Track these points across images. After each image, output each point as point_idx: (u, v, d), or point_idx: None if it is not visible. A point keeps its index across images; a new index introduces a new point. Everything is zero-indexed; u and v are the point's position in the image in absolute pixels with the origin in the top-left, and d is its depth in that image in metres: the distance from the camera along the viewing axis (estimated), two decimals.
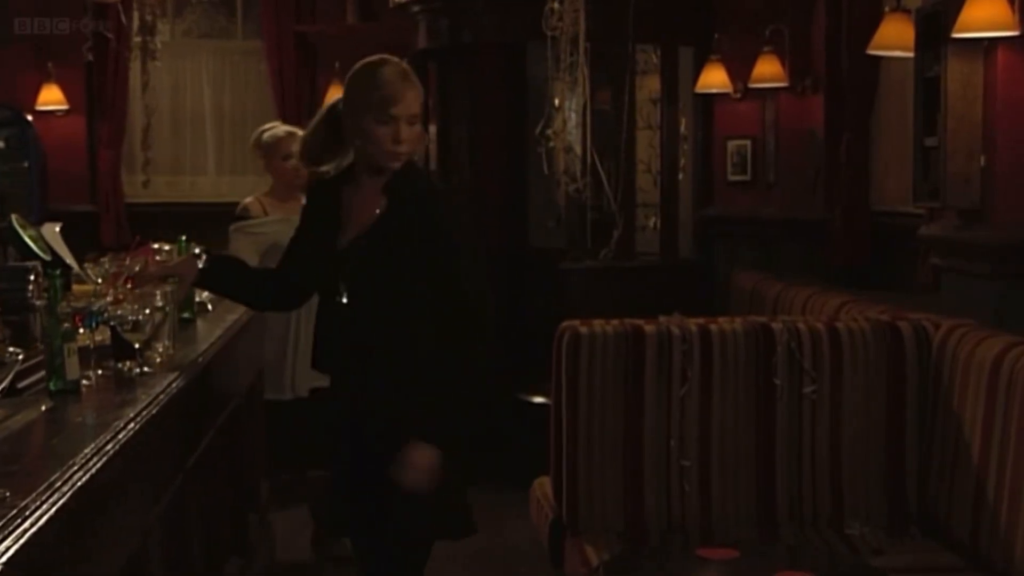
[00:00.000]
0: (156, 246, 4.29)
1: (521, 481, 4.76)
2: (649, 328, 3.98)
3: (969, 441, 3.59)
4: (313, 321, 4.60)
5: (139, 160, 7.77)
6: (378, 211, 3.13)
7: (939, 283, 4.55)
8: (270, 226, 4.86)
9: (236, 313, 4.13)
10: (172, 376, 2.94)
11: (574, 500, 3.96)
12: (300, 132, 4.77)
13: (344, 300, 3.14)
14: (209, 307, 4.16)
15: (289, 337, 4.86)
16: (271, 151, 5.11)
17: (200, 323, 3.94)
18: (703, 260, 6.76)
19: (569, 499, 3.97)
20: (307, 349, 4.63)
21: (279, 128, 5.19)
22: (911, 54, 4.41)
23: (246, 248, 4.78)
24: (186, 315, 3.87)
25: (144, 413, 2.50)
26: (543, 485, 4.33)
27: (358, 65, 3.17)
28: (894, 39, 4.46)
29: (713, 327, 3.99)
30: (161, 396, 2.70)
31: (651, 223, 6.92)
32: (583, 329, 3.95)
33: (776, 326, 3.99)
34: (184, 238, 3.99)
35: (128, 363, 2.95)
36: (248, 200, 5.12)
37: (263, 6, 7.97)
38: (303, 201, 4.82)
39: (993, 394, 3.48)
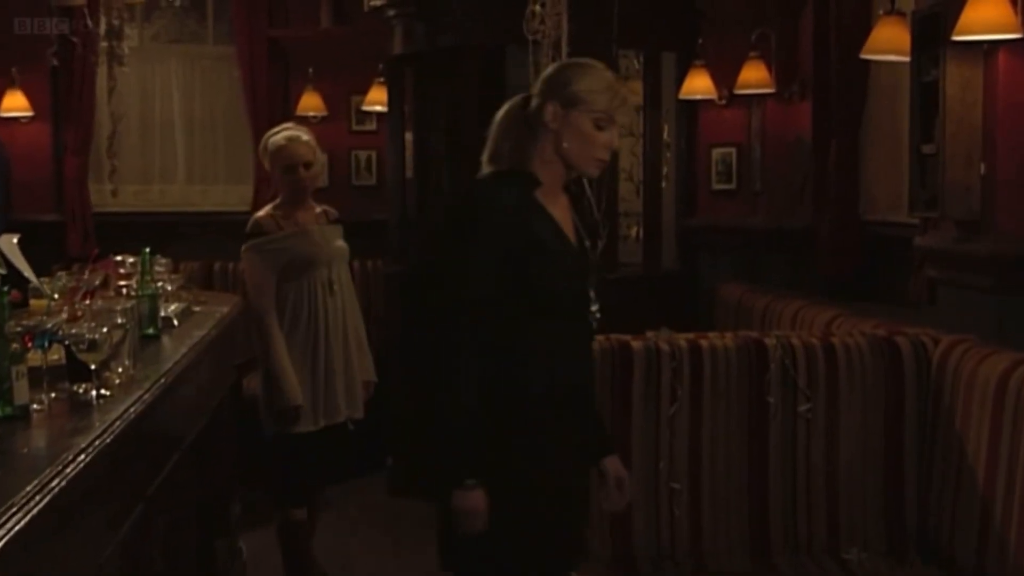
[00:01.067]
0: (119, 258, 4.12)
1: None
2: (636, 344, 3.81)
3: (973, 463, 3.43)
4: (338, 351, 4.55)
5: (107, 168, 7.53)
6: (571, 215, 3.00)
7: (934, 296, 4.38)
8: (286, 241, 4.53)
9: (204, 328, 3.93)
10: (131, 399, 2.74)
11: None
12: (304, 136, 4.65)
13: (598, 313, 2.98)
14: (175, 322, 3.96)
15: (320, 367, 4.55)
16: (273, 160, 4.64)
17: (166, 340, 3.73)
18: (687, 271, 6.59)
19: None
20: (334, 378, 4.55)
21: (281, 134, 4.67)
22: (906, 58, 4.24)
23: (262, 267, 4.50)
24: (150, 331, 3.68)
25: (97, 443, 2.30)
26: None
27: (578, 63, 2.99)
28: (889, 43, 4.30)
29: (703, 343, 3.83)
30: (117, 423, 2.50)
31: (633, 233, 6.76)
32: None
33: (769, 342, 3.83)
34: (148, 250, 3.77)
35: (84, 386, 2.75)
36: (260, 215, 4.63)
37: (235, 10, 7.75)
38: (316, 210, 4.68)
39: (999, 413, 3.32)
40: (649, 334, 3.87)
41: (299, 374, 4.47)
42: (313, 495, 4.74)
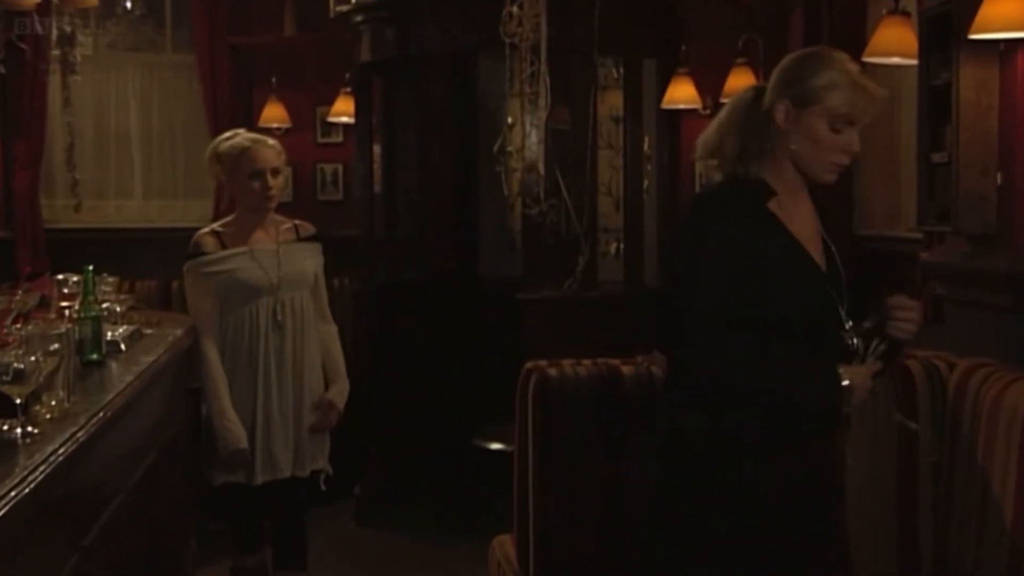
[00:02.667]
0: (61, 277, 3.78)
1: (475, 535, 4.38)
2: (627, 369, 3.51)
3: (1000, 499, 3.12)
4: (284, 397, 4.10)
5: (60, 182, 7.22)
6: (815, 224, 2.76)
7: (941, 315, 4.10)
8: (228, 262, 4.07)
9: (153, 353, 3.58)
10: (64, 437, 2.40)
11: (544, 563, 3.48)
12: (270, 141, 4.17)
13: (854, 335, 2.69)
14: (122, 346, 3.61)
15: (259, 416, 4.08)
16: (233, 167, 4.12)
17: (111, 366, 3.38)
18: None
19: (538, 562, 3.50)
20: (280, 429, 4.07)
21: (241, 137, 4.16)
22: (913, 60, 3.96)
23: (201, 292, 4.10)
24: (93, 357, 3.33)
25: (14, 493, 1.97)
26: (504, 545, 3.83)
27: (815, 54, 2.68)
28: (893, 44, 4.01)
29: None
30: (43, 466, 2.16)
31: (612, 249, 6.46)
32: (552, 371, 3.48)
33: None
34: (91, 268, 3.42)
35: (8, 422, 2.41)
36: (202, 231, 4.17)
37: (194, 17, 7.47)
38: (285, 225, 4.19)
39: None
40: (640, 358, 3.56)
41: (240, 420, 4.07)
42: (270, 539, 4.34)
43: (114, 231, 7.53)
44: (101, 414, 2.67)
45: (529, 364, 3.53)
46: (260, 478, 4.07)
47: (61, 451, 2.31)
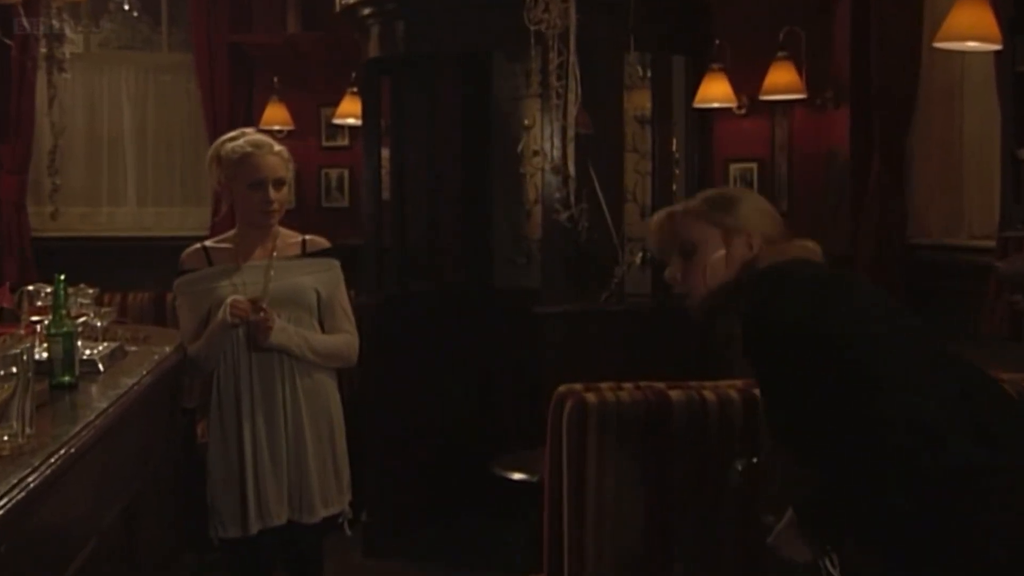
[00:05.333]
0: (31, 288, 3.36)
1: (490, 568, 4.37)
2: (676, 394, 3.07)
3: None
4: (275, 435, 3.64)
5: (48, 188, 6.81)
6: None
7: (1020, 331, 3.67)
8: (210, 280, 3.66)
9: (135, 376, 3.15)
10: (16, 479, 1.97)
11: None
12: (276, 147, 3.68)
13: None
14: (100, 366, 3.18)
15: (246, 457, 3.64)
16: (232, 174, 3.67)
17: (85, 391, 2.95)
18: None
19: None
20: (270, 475, 3.62)
21: (244, 139, 3.69)
22: (992, 45, 3.54)
23: (187, 312, 3.72)
24: (64, 379, 2.90)
25: None
26: None
27: None
28: (969, 27, 3.58)
29: (759, 392, 3.09)
30: None
31: (637, 259, 6.04)
32: (590, 396, 3.05)
33: None
34: (63, 277, 2.98)
35: None
36: (190, 248, 3.79)
37: (192, 14, 7.19)
38: (293, 239, 3.75)
39: None
40: (691, 383, 3.13)
41: (222, 462, 3.65)
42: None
43: (106, 240, 7.23)
44: (63, 451, 2.23)
45: (562, 388, 3.11)
46: (254, 528, 3.64)
47: (13, 495, 1.88)
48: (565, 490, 3.06)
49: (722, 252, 2.57)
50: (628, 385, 3.12)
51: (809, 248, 2.63)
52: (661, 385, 3.12)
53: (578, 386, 3.11)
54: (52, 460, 2.14)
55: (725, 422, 3.03)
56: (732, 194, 2.74)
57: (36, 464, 2.08)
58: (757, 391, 3.07)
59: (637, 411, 3.01)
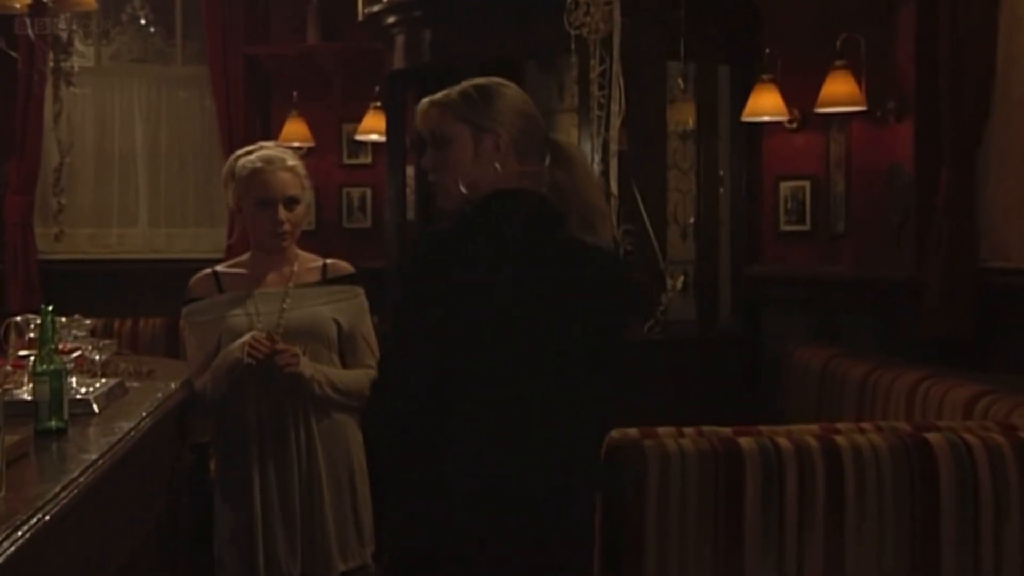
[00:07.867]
0: (18, 319, 3.02)
1: None
2: (746, 442, 2.70)
3: None
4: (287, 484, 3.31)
5: (54, 208, 6.51)
6: None
7: None
8: (219, 309, 3.35)
9: (134, 418, 2.79)
10: None
11: None
12: (290, 159, 3.34)
13: None
14: (95, 407, 2.83)
15: (255, 507, 3.30)
16: (242, 192, 3.38)
17: (76, 437, 2.59)
18: (747, 331, 5.49)
19: None
20: (279, 527, 3.28)
21: (257, 154, 3.41)
22: None
23: (193, 345, 3.41)
24: (51, 425, 2.55)
25: None
26: None
27: None
28: None
29: (839, 439, 2.72)
30: None
31: (678, 282, 5.69)
32: (648, 443, 2.70)
33: (933, 437, 2.71)
34: (50, 307, 2.62)
35: None
36: (199, 274, 3.49)
37: (207, 26, 6.85)
38: (313, 264, 3.43)
39: None
40: (763, 428, 2.76)
41: (229, 510, 3.31)
42: None
43: (115, 262, 6.89)
44: (37, 518, 1.87)
45: (615, 433, 2.74)
46: None
47: None
48: (623, 551, 2.71)
49: (471, 153, 2.45)
50: (690, 430, 2.77)
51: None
52: (727, 431, 2.77)
53: (633, 431, 2.75)
54: (20, 533, 1.78)
55: (805, 472, 2.66)
56: (491, 88, 2.51)
57: (9, 530, 1.73)
58: (839, 439, 2.71)
59: (704, 462, 2.65)
